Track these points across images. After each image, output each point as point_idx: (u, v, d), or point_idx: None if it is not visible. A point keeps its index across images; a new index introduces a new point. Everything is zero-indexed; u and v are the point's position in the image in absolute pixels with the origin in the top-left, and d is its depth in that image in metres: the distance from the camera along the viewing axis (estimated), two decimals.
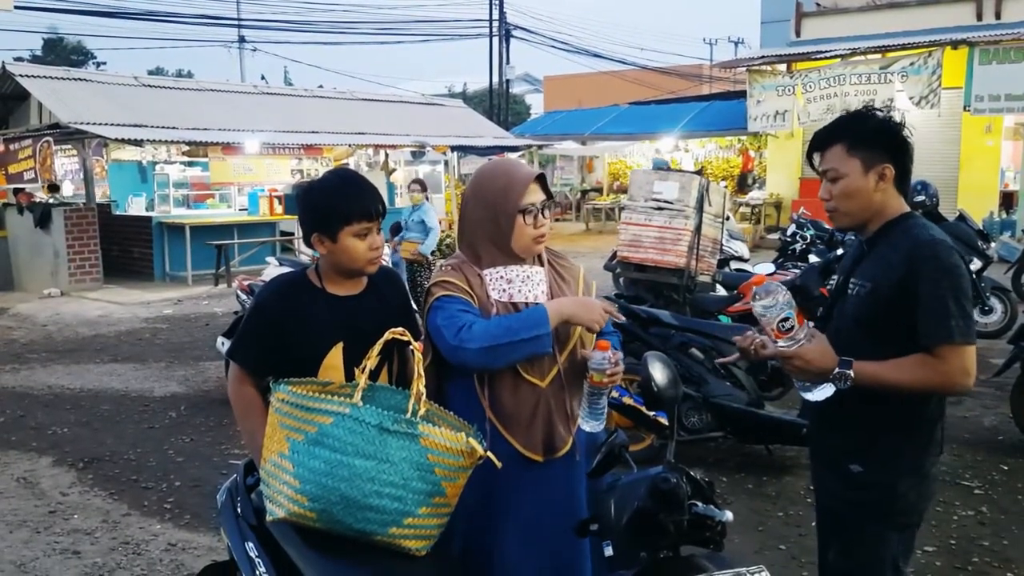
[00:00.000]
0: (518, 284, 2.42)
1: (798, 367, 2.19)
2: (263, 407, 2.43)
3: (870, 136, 2.28)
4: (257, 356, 2.48)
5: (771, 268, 8.01)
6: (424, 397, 2.12)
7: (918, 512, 2.32)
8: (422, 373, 2.13)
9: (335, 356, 2.41)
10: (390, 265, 8.51)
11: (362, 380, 2.15)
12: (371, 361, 2.17)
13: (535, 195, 2.41)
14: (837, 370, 2.15)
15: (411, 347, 2.21)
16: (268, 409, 2.25)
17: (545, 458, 2.38)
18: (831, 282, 5.73)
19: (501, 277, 2.42)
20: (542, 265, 2.50)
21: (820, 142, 2.37)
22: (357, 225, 2.38)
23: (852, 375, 2.14)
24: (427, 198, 9.97)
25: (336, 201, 2.39)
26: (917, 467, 2.28)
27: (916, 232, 2.25)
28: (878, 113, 2.34)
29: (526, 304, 2.40)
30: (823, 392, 2.23)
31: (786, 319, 2.17)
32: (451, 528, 2.24)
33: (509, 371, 2.36)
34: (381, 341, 2.17)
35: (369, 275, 2.53)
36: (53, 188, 14.23)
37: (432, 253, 9.69)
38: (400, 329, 2.19)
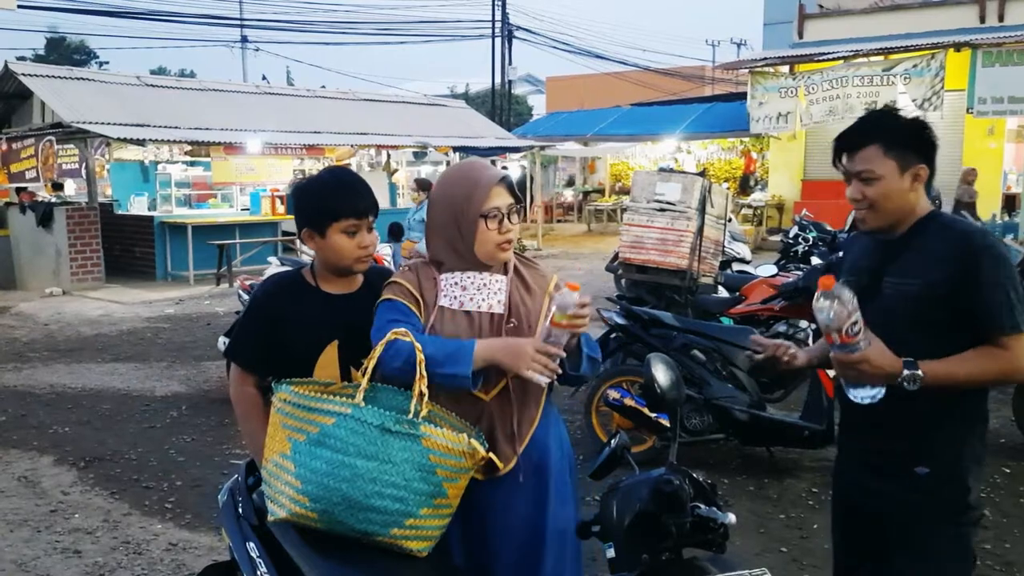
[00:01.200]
0: (472, 291, 2.31)
1: (863, 371, 2.12)
2: (264, 408, 2.44)
3: (905, 137, 2.25)
4: (255, 354, 2.49)
5: (773, 270, 8.00)
6: (426, 398, 2.12)
7: (981, 501, 2.29)
8: (424, 373, 2.12)
9: (330, 354, 2.41)
10: (393, 266, 8.52)
11: (363, 380, 2.14)
12: (371, 362, 2.16)
13: (500, 199, 2.29)
14: (906, 371, 2.10)
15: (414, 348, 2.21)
16: (270, 410, 2.25)
17: (485, 477, 2.27)
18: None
19: (456, 284, 2.32)
20: (506, 273, 2.36)
21: (851, 142, 2.31)
22: (345, 222, 2.39)
23: (922, 375, 2.10)
24: (428, 197, 9.97)
25: (326, 198, 2.42)
26: (979, 456, 2.26)
27: (960, 226, 2.26)
28: (903, 114, 2.31)
29: (479, 312, 2.29)
30: (878, 393, 2.18)
31: (856, 322, 2.08)
32: None
33: None
34: (383, 341, 2.17)
35: (363, 273, 2.54)
36: (57, 187, 14.24)
37: None
38: (403, 330, 2.19)
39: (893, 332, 2.20)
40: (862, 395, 2.19)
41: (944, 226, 2.25)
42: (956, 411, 2.23)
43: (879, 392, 2.18)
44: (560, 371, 2.16)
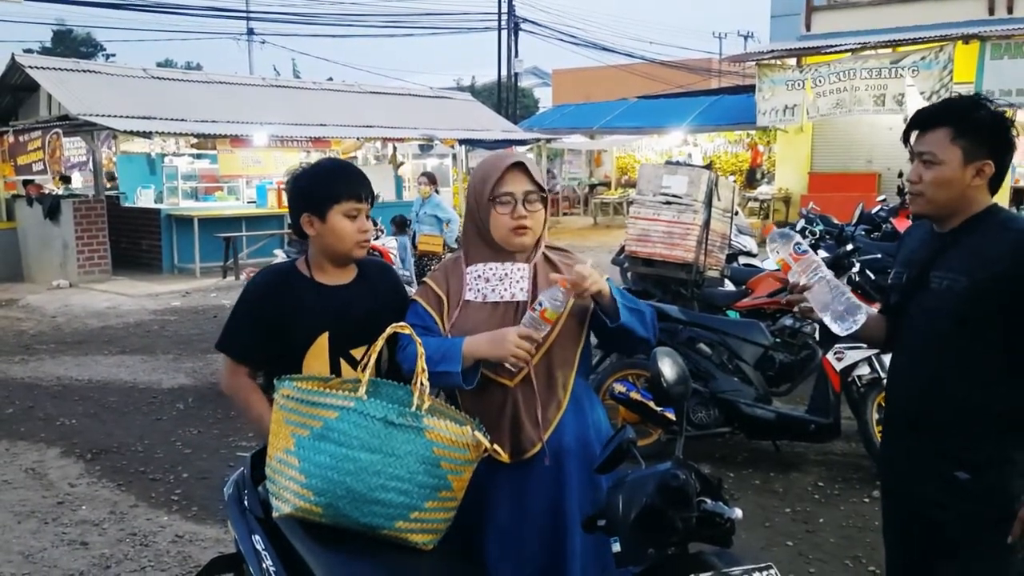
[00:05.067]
0: (495, 283, 2.34)
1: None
2: (261, 391, 2.48)
3: (978, 128, 2.16)
4: (247, 344, 2.49)
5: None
6: (428, 392, 2.12)
7: None
8: (425, 367, 2.13)
9: (321, 344, 2.42)
10: (398, 259, 8.51)
11: (365, 375, 2.14)
12: (372, 356, 2.16)
13: (514, 184, 2.30)
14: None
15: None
16: (270, 399, 2.26)
17: (513, 459, 2.29)
18: (842, 278, 5.70)
19: (479, 276, 2.36)
20: (530, 261, 2.37)
21: (923, 122, 2.21)
22: (346, 204, 2.40)
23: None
24: (436, 191, 9.95)
25: (325, 182, 2.44)
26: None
27: (1018, 224, 2.17)
28: (989, 104, 2.21)
29: (502, 302, 2.32)
30: (857, 321, 2.24)
31: (799, 243, 2.30)
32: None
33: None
34: (383, 336, 2.17)
35: (359, 264, 2.54)
36: (65, 179, 14.25)
37: (444, 246, 9.65)
38: (403, 324, 2.19)
39: (935, 326, 2.16)
40: (842, 325, 2.25)
41: (1001, 224, 2.17)
42: (1002, 417, 2.14)
43: (859, 318, 2.24)
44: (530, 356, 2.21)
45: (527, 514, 2.33)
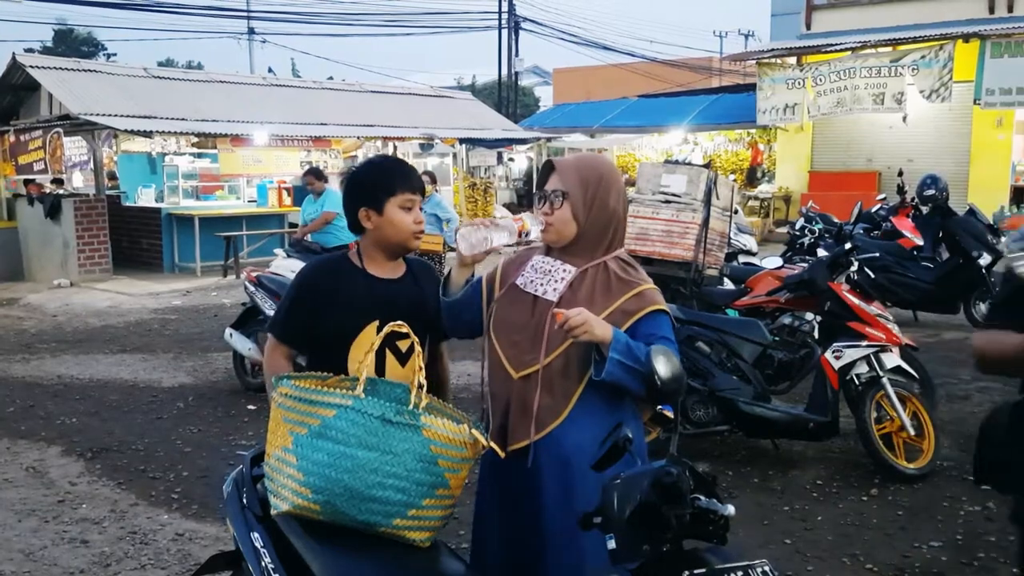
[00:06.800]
0: (539, 275, 2.38)
1: None
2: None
3: None
4: (292, 328, 2.55)
5: (779, 261, 7.99)
6: (425, 390, 2.13)
7: None
8: (422, 366, 2.15)
9: (369, 334, 2.45)
10: None
11: (363, 372, 2.16)
12: (371, 352, 2.18)
13: (550, 183, 2.37)
14: None
15: (413, 341, 2.22)
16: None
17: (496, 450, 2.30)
18: (841, 276, 5.71)
19: (533, 266, 2.42)
20: (579, 265, 2.35)
21: None
22: (402, 196, 2.48)
23: None
24: (436, 190, 9.95)
25: (381, 175, 2.52)
26: None
27: None
28: None
29: (535, 295, 2.34)
30: None
31: None
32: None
33: (492, 353, 2.37)
34: (382, 334, 2.20)
35: (408, 259, 2.62)
36: (57, 182, 14.24)
37: (443, 245, 9.64)
38: (400, 323, 2.21)
39: None
40: None
41: None
42: None
43: None
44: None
45: (509, 506, 2.35)
